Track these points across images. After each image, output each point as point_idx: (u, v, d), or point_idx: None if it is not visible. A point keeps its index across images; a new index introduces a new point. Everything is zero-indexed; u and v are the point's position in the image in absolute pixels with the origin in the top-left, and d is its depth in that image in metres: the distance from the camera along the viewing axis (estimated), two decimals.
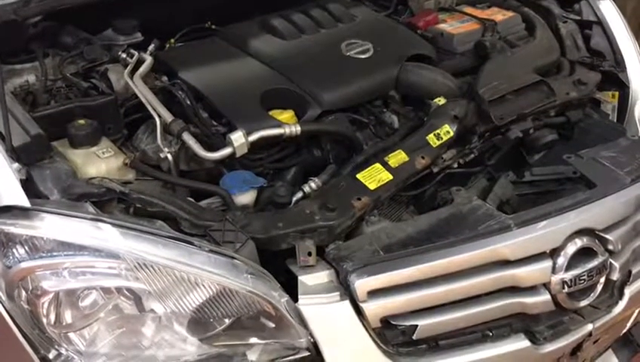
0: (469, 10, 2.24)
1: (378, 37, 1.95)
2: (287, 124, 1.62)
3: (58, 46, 1.79)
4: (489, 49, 1.93)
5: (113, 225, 1.22)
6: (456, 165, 1.78)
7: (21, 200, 1.20)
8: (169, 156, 1.55)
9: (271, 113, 1.70)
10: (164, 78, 1.82)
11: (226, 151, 1.51)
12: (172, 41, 2.02)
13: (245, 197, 1.43)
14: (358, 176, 1.51)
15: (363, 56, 1.87)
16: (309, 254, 1.34)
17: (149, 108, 1.59)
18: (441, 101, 1.79)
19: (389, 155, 1.58)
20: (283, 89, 1.74)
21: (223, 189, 1.42)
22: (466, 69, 2.01)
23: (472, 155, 1.80)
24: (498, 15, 2.19)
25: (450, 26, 2.12)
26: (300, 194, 1.51)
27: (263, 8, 2.08)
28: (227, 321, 1.28)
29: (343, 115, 1.75)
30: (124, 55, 1.74)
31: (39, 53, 1.69)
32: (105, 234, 1.21)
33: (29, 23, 1.70)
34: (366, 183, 1.49)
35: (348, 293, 1.30)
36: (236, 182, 1.42)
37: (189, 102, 1.67)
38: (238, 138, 1.51)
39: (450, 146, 1.73)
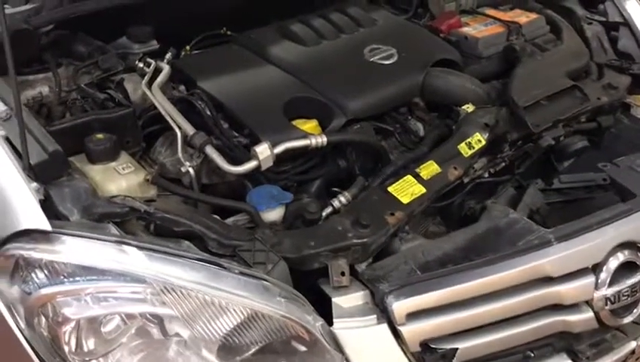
0: (491, 12, 2.17)
1: (401, 41, 1.88)
2: (312, 134, 1.55)
3: (71, 55, 1.72)
4: (519, 53, 1.86)
5: (139, 247, 1.15)
6: (486, 175, 1.71)
7: (41, 222, 1.13)
8: (191, 170, 1.48)
9: (294, 123, 1.63)
10: (182, 88, 1.75)
11: (252, 164, 1.44)
12: (187, 48, 1.96)
13: (273, 214, 1.36)
14: (390, 189, 1.44)
15: (387, 62, 1.80)
16: (342, 274, 1.27)
17: (169, 120, 1.52)
18: (469, 108, 1.72)
19: (421, 167, 1.51)
20: (306, 97, 1.67)
21: (250, 206, 1.35)
22: (492, 74, 1.95)
23: (503, 164, 1.74)
24: (522, 17, 2.11)
25: (474, 29, 2.05)
26: (329, 209, 1.44)
27: (279, 13, 2.01)
28: (257, 346, 1.21)
29: (368, 124, 1.68)
30: (141, 64, 1.67)
31: (52, 64, 1.62)
32: (130, 257, 1.14)
33: (41, 31, 1.63)
34: (399, 197, 1.42)
35: (385, 316, 1.23)
36: (263, 197, 1.35)
37: (209, 113, 1.60)
38: (263, 151, 1.44)
39: (481, 155, 1.66)
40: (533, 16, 2.12)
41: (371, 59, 1.80)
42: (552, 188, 1.92)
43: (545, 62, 1.87)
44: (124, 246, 1.14)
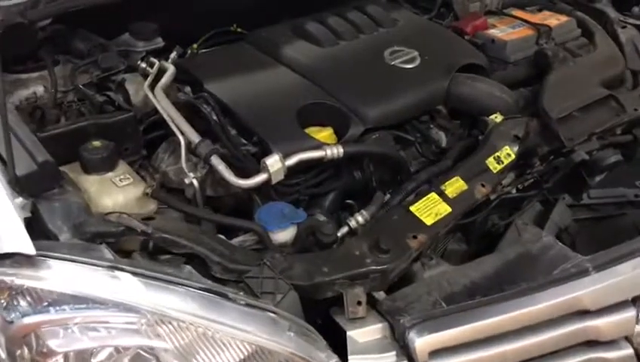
0: (519, 13, 2.03)
1: (424, 44, 1.75)
2: (327, 144, 1.42)
3: (70, 52, 1.60)
4: (551, 58, 1.72)
5: (134, 273, 1.03)
6: (514, 191, 1.59)
7: (24, 245, 1.01)
8: (195, 182, 1.36)
9: (307, 131, 1.51)
10: (187, 89, 1.63)
11: (261, 177, 1.32)
12: (194, 46, 1.83)
13: (284, 235, 1.23)
14: (412, 208, 1.31)
15: (409, 66, 1.67)
16: (359, 303, 1.15)
17: (173, 127, 1.40)
18: (497, 118, 1.59)
19: (446, 183, 1.38)
20: (322, 104, 1.55)
21: (259, 225, 1.22)
22: (520, 81, 1.81)
23: (532, 179, 1.61)
24: (552, 19, 1.98)
25: (501, 31, 1.91)
26: (345, 230, 1.31)
27: (294, 10, 1.88)
28: None
29: (387, 133, 1.56)
30: (143, 64, 1.54)
31: (49, 61, 1.50)
32: (123, 284, 1.02)
33: (38, 26, 1.50)
34: (422, 217, 1.30)
35: (405, 353, 1.11)
36: (274, 216, 1.23)
37: (215, 118, 1.48)
38: (274, 163, 1.32)
39: (509, 170, 1.53)
40: (564, 18, 1.98)
41: (392, 63, 1.67)
42: (581, 203, 1.80)
43: (578, 69, 1.73)
44: (117, 272, 1.03)
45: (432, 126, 1.68)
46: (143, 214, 1.20)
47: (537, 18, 2.00)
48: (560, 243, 1.33)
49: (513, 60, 1.84)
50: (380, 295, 1.21)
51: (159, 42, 1.66)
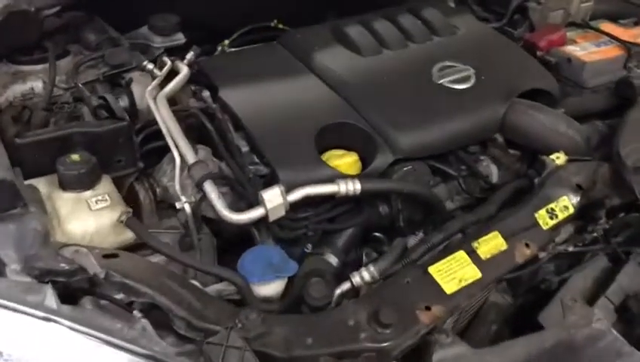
0: (608, 27, 1.73)
1: (483, 59, 1.49)
2: (344, 177, 1.21)
3: (81, 43, 1.46)
4: (638, 90, 1.42)
5: (71, 329, 0.86)
6: (571, 248, 1.32)
7: None
8: (187, 207, 1.19)
9: (328, 154, 1.30)
10: (206, 94, 1.45)
11: (256, 213, 1.13)
12: (226, 43, 1.65)
13: (269, 289, 1.04)
14: (432, 269, 1.08)
15: (460, 87, 1.42)
16: None
17: (169, 141, 1.23)
18: (560, 159, 1.31)
19: (480, 240, 1.14)
20: (347, 125, 1.33)
21: (240, 277, 1.03)
22: (596, 111, 1.52)
23: (594, 235, 1.33)
24: None
25: (582, 49, 1.62)
26: (346, 286, 1.10)
27: (340, 8, 1.66)
28: None
29: (422, 165, 1.32)
30: (150, 65, 1.37)
31: (50, 53, 1.35)
32: (55, 341, 0.86)
33: (45, 14, 1.37)
34: (442, 283, 1.06)
35: None
36: (259, 265, 1.03)
37: (218, 135, 1.30)
38: (272, 197, 1.12)
39: (567, 222, 1.27)
40: None
41: (440, 81, 1.42)
42: None
43: None
44: (52, 325, 0.87)
45: (482, 158, 1.43)
46: (107, 251, 1.03)
47: (631, 34, 1.69)
48: (615, 333, 1.06)
49: (591, 86, 1.56)
50: None
51: (180, 38, 1.49)
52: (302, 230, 1.22)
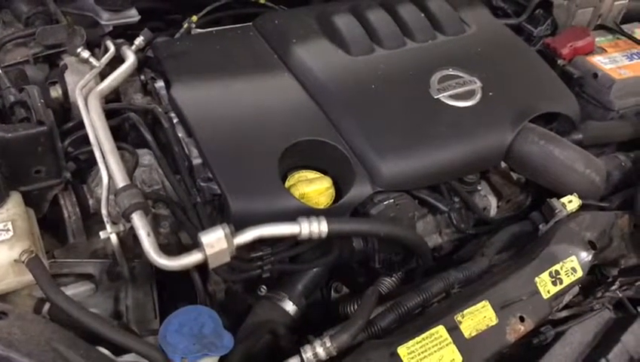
0: None
1: (493, 69, 1.25)
2: (309, 213, 0.98)
3: (12, 11, 1.21)
4: None
5: None
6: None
7: None
8: (113, 238, 0.97)
9: (297, 176, 1.08)
10: (159, 85, 1.22)
11: (192, 259, 0.91)
12: (194, 18, 1.39)
13: None
14: (401, 350, 0.87)
15: (462, 104, 1.18)
16: None
17: (97, 155, 1.00)
18: (572, 204, 1.09)
19: (465, 311, 0.92)
20: (321, 144, 1.10)
21: (157, 351, 0.82)
22: (622, 139, 1.29)
23: (603, 300, 1.12)
24: None
25: (611, 61, 1.38)
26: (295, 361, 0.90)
27: None
28: None
29: (407, 199, 1.10)
30: (85, 54, 1.13)
31: None
32: None
33: None
34: None
35: None
36: (184, 337, 0.82)
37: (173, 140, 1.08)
38: (214, 242, 0.90)
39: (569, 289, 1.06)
40: None
41: (439, 96, 1.18)
42: None
43: None
44: None
45: (479, 188, 1.21)
46: (24, 283, 0.83)
47: None
48: None
49: (618, 108, 1.32)
50: None
51: (132, 15, 1.23)
52: (255, 271, 1.02)
